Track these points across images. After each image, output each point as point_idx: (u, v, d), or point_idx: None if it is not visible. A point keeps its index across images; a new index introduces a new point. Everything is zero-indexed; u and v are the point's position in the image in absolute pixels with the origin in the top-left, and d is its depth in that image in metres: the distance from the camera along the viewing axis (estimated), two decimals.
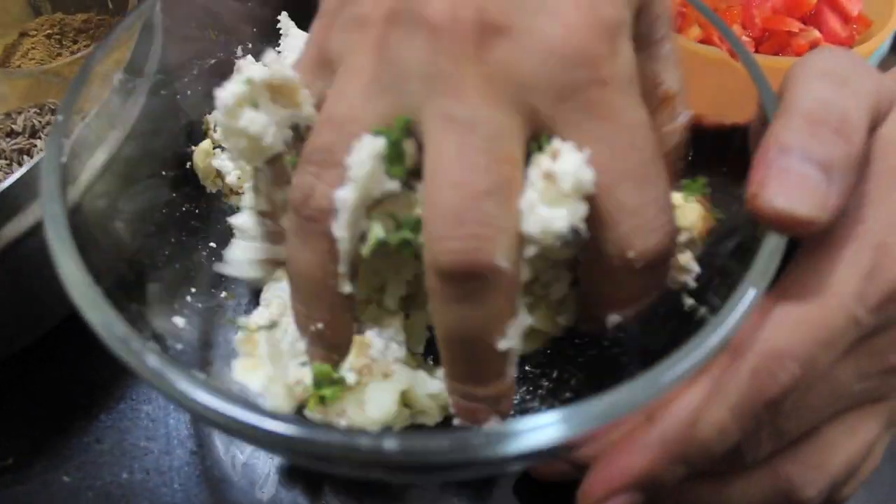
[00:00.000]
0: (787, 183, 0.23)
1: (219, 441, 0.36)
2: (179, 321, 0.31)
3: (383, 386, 0.27)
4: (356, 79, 0.24)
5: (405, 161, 0.24)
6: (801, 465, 0.25)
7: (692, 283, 0.30)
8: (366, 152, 0.23)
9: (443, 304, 0.23)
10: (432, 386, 0.28)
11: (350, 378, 0.27)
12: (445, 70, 0.22)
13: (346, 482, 0.34)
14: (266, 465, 0.35)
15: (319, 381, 0.27)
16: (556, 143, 0.23)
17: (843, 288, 0.24)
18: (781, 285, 0.25)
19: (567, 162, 0.22)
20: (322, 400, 0.27)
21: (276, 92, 0.26)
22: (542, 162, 0.23)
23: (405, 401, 0.28)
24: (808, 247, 0.25)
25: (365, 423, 0.26)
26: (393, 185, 0.24)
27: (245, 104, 0.26)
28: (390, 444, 0.20)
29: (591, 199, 0.23)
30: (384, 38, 0.24)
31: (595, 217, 0.23)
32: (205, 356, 0.33)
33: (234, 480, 0.35)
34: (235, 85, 0.26)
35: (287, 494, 0.34)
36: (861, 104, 0.25)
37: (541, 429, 0.21)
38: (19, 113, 0.41)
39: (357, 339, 0.27)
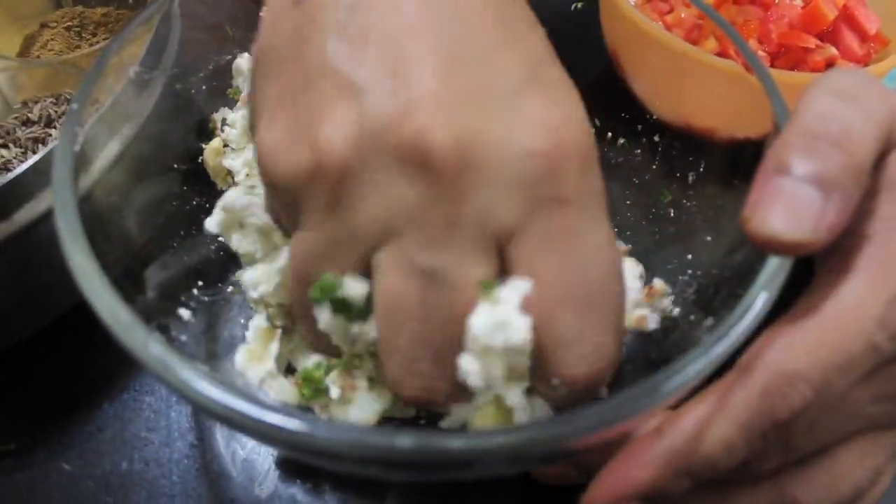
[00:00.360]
0: (779, 205, 0.23)
1: (220, 436, 0.36)
2: (185, 313, 0.31)
3: (366, 397, 0.27)
4: (311, 233, 0.23)
5: (358, 302, 0.24)
6: (809, 484, 0.25)
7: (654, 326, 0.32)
8: (325, 321, 0.24)
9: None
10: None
11: (334, 392, 0.27)
12: (408, 212, 0.22)
13: (348, 478, 0.34)
14: (266, 461, 0.35)
15: (305, 384, 0.27)
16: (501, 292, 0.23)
17: (864, 313, 0.23)
18: (799, 306, 0.24)
19: (484, 319, 0.22)
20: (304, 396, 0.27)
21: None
22: (478, 313, 0.23)
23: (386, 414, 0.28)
24: (828, 269, 0.25)
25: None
26: (362, 328, 0.24)
27: (231, 228, 0.29)
28: (401, 441, 0.20)
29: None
30: (338, 185, 0.22)
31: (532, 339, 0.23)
32: (209, 349, 0.33)
33: (234, 476, 0.35)
34: (216, 214, 0.29)
35: (286, 491, 0.34)
36: (868, 119, 0.24)
37: (541, 429, 0.20)
38: (36, 102, 0.42)
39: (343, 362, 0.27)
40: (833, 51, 0.44)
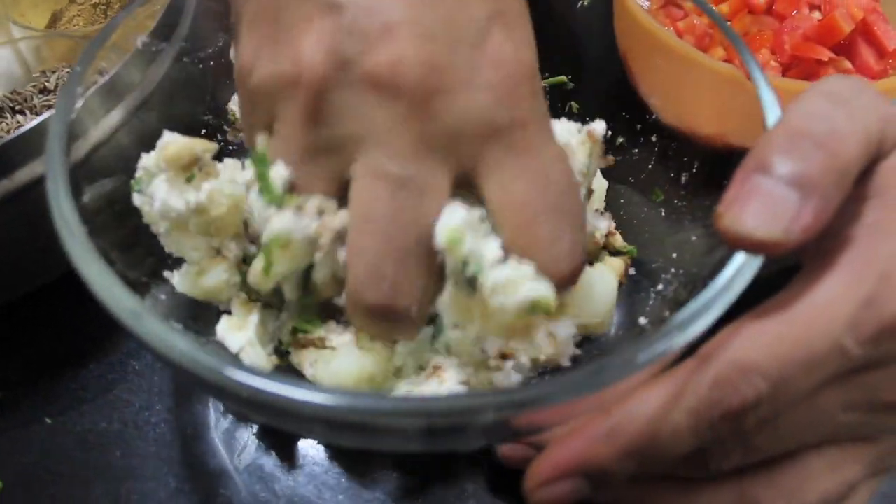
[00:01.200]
0: (754, 203, 0.22)
1: (202, 404, 0.36)
2: (172, 276, 0.32)
3: (355, 353, 0.27)
4: (290, 139, 0.25)
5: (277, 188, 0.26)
6: (772, 488, 0.24)
7: None
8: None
9: (362, 323, 0.26)
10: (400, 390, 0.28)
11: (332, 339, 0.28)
12: (382, 127, 0.24)
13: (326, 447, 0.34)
14: (246, 433, 0.36)
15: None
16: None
17: (833, 313, 0.22)
18: (770, 302, 0.24)
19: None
20: (296, 332, 0.28)
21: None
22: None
23: (372, 384, 0.28)
24: (807, 269, 0.25)
25: (325, 378, 0.27)
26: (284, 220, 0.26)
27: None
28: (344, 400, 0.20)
29: (509, 232, 0.25)
30: (318, 97, 0.24)
31: (514, 248, 0.25)
32: (195, 313, 0.33)
33: (213, 445, 0.35)
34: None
35: (258, 464, 0.34)
36: (856, 122, 0.24)
37: (493, 400, 0.21)
38: (53, 72, 0.43)
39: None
40: (847, 64, 0.44)
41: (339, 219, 0.25)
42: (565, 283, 0.25)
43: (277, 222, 0.25)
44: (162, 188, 0.27)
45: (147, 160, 0.28)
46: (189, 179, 0.27)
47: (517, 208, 0.24)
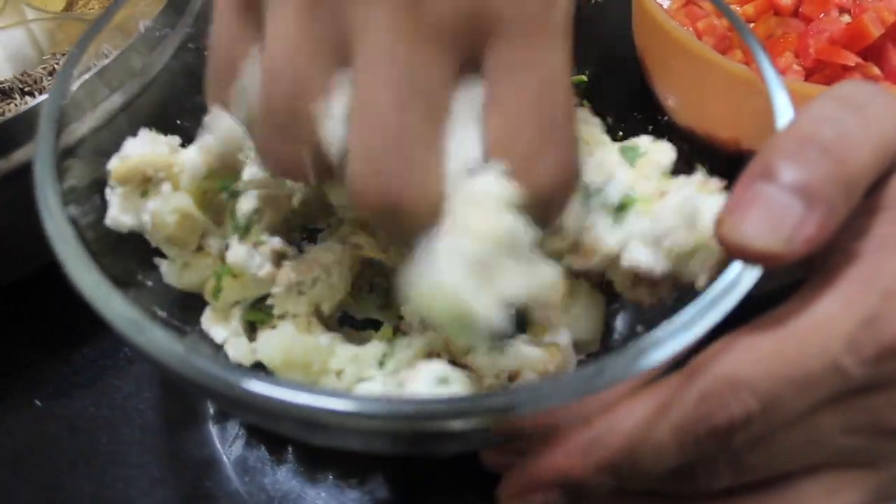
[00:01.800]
0: (755, 211, 0.21)
1: (192, 394, 0.36)
2: (160, 262, 0.32)
3: (291, 334, 0.27)
4: (290, 34, 0.23)
5: None
6: None
7: None
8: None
9: (372, 222, 0.25)
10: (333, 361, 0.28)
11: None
12: (379, 18, 0.22)
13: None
14: (237, 424, 0.35)
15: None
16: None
17: (832, 330, 0.21)
18: (767, 317, 0.23)
19: None
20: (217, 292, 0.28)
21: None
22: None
23: (306, 372, 0.28)
24: (808, 283, 0.23)
25: (261, 355, 0.28)
26: None
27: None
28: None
29: (492, 137, 0.23)
30: None
31: (495, 152, 0.23)
32: (183, 302, 0.33)
33: (206, 435, 0.35)
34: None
35: (244, 456, 0.34)
36: (869, 129, 0.22)
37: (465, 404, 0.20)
38: (63, 54, 0.43)
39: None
40: (875, 70, 0.42)
41: (295, 273, 0.25)
42: (545, 198, 0.23)
43: (233, 254, 0.26)
44: (114, 202, 0.27)
45: (113, 163, 0.27)
46: (144, 194, 0.27)
47: (504, 117, 0.23)
